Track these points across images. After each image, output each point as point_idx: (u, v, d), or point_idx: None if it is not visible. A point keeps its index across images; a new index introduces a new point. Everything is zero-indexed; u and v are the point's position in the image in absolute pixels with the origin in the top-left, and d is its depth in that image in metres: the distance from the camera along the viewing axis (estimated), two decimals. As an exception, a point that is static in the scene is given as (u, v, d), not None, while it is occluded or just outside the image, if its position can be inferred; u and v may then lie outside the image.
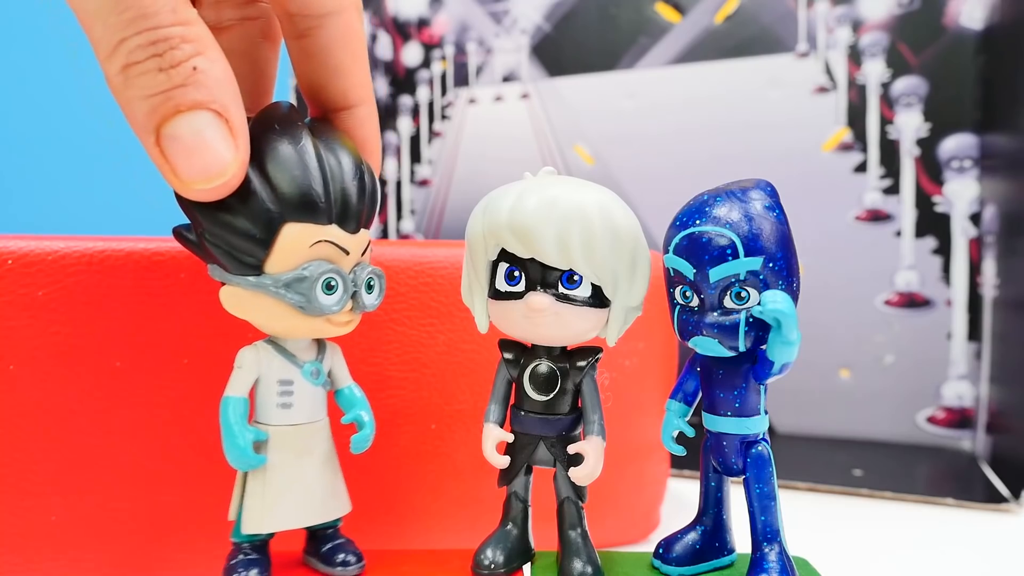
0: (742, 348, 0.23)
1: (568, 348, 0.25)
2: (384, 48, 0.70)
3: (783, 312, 0.22)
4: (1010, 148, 0.50)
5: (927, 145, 0.54)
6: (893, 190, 0.55)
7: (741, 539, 0.26)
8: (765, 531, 0.24)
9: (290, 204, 0.22)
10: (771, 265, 0.22)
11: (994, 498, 0.43)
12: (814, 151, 0.56)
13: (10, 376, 0.27)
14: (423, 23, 0.68)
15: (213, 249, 0.22)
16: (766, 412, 0.24)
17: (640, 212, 0.26)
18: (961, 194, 0.53)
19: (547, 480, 0.26)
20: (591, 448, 0.24)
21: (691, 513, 0.27)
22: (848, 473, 0.48)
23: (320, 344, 0.25)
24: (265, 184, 0.22)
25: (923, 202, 0.54)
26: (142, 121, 0.20)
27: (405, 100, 0.69)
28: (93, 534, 0.28)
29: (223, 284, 0.23)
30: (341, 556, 0.25)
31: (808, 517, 0.41)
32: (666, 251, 0.24)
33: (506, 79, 0.66)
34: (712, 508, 0.26)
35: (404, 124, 0.70)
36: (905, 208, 0.54)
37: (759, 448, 0.24)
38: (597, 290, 0.23)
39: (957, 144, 0.53)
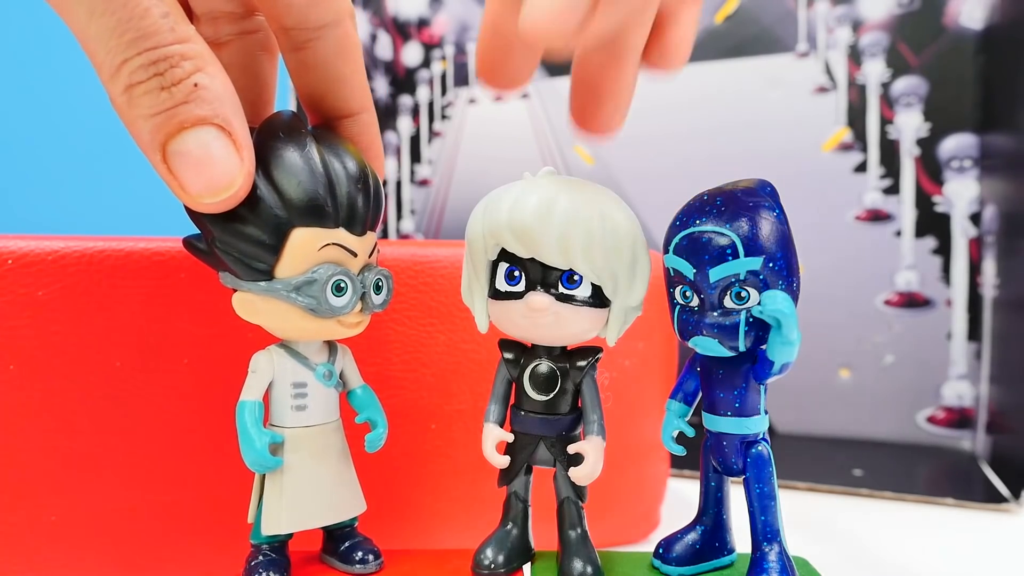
0: (742, 348, 0.23)
1: (568, 348, 0.25)
2: (384, 48, 0.70)
3: (783, 312, 0.22)
4: (1010, 148, 0.50)
5: (927, 145, 0.54)
6: (893, 190, 0.55)
7: (741, 539, 0.26)
8: (765, 531, 0.24)
9: (298, 209, 0.22)
10: (771, 265, 0.22)
11: (994, 498, 0.43)
12: (814, 151, 0.56)
13: (10, 376, 0.27)
14: (423, 23, 0.68)
15: (224, 257, 0.23)
16: (766, 412, 0.24)
17: (640, 212, 0.26)
18: (961, 194, 0.53)
19: (547, 480, 0.26)
20: (591, 448, 0.24)
21: (691, 513, 0.27)
22: (848, 473, 0.48)
23: (331, 346, 0.26)
24: (273, 191, 0.22)
25: (923, 202, 0.54)
26: (148, 139, 0.21)
27: (405, 100, 0.69)
28: (93, 534, 0.28)
29: (235, 291, 0.23)
30: (359, 554, 0.25)
31: (808, 517, 0.41)
32: (666, 251, 0.24)
33: (506, 79, 0.66)
34: (712, 508, 0.26)
35: (404, 124, 0.70)
36: (905, 208, 0.54)
37: (759, 448, 0.24)
38: (597, 290, 0.23)
39: (957, 144, 0.53)
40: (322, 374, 0.25)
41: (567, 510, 0.25)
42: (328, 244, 0.23)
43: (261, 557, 0.25)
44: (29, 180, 0.81)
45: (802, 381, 0.56)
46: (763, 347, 0.23)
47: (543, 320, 0.23)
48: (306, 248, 0.23)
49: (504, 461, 0.25)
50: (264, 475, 0.25)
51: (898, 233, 0.54)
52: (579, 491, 0.25)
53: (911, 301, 0.54)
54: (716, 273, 0.22)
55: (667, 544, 0.26)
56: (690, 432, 0.26)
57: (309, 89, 0.26)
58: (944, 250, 0.53)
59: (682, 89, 0.58)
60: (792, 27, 0.56)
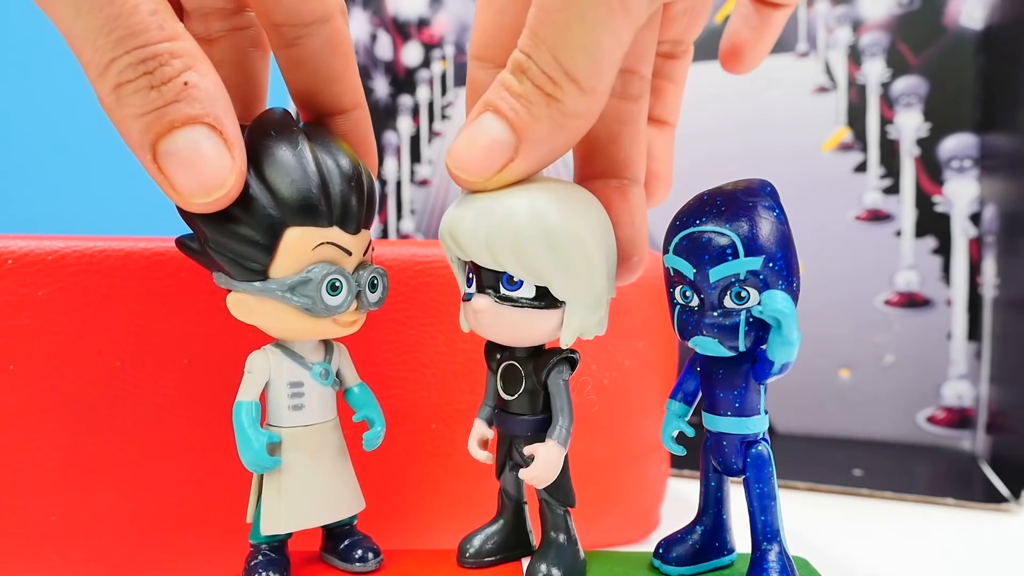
0: (742, 348, 0.23)
1: (546, 347, 0.25)
2: (384, 48, 0.70)
3: (783, 312, 0.22)
4: (1010, 148, 0.50)
5: (927, 145, 0.54)
6: (893, 190, 0.55)
7: (741, 539, 0.26)
8: (765, 531, 0.24)
9: (291, 208, 0.22)
10: (771, 265, 0.22)
11: (994, 498, 0.43)
12: (814, 151, 0.56)
13: (10, 376, 0.27)
14: (423, 23, 0.68)
15: (217, 257, 0.23)
16: (766, 412, 0.24)
17: (640, 212, 0.25)
18: (961, 194, 0.53)
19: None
20: (543, 451, 0.23)
21: (691, 513, 0.27)
22: (848, 473, 0.48)
23: (327, 345, 0.26)
24: (265, 190, 0.22)
25: (923, 202, 0.54)
26: (138, 139, 0.20)
27: (405, 100, 0.69)
28: (93, 534, 0.28)
29: (229, 291, 0.23)
30: (359, 552, 0.26)
31: (808, 517, 0.41)
32: (666, 251, 0.24)
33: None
34: (712, 508, 0.26)
35: (404, 124, 0.70)
36: (905, 208, 0.54)
37: (759, 448, 0.24)
38: (545, 290, 0.23)
39: (957, 144, 0.53)
40: (319, 373, 0.25)
41: (543, 511, 0.25)
42: (322, 243, 0.23)
43: (261, 557, 0.25)
44: (29, 180, 0.81)
45: (802, 381, 0.56)
46: (763, 347, 0.23)
47: (484, 321, 0.23)
48: (300, 247, 0.22)
49: (486, 457, 0.26)
50: (262, 475, 0.25)
51: (898, 233, 0.54)
52: (556, 494, 0.25)
53: (911, 301, 0.54)
54: (716, 273, 0.22)
55: (667, 544, 0.26)
56: (690, 432, 0.26)
57: (301, 86, 0.26)
58: (944, 250, 0.53)
59: (682, 89, 0.58)
60: (792, 27, 0.56)
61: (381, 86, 0.70)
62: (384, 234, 0.71)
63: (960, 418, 0.53)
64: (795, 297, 0.23)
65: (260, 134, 0.23)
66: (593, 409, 0.25)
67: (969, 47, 0.52)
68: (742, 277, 0.22)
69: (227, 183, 0.21)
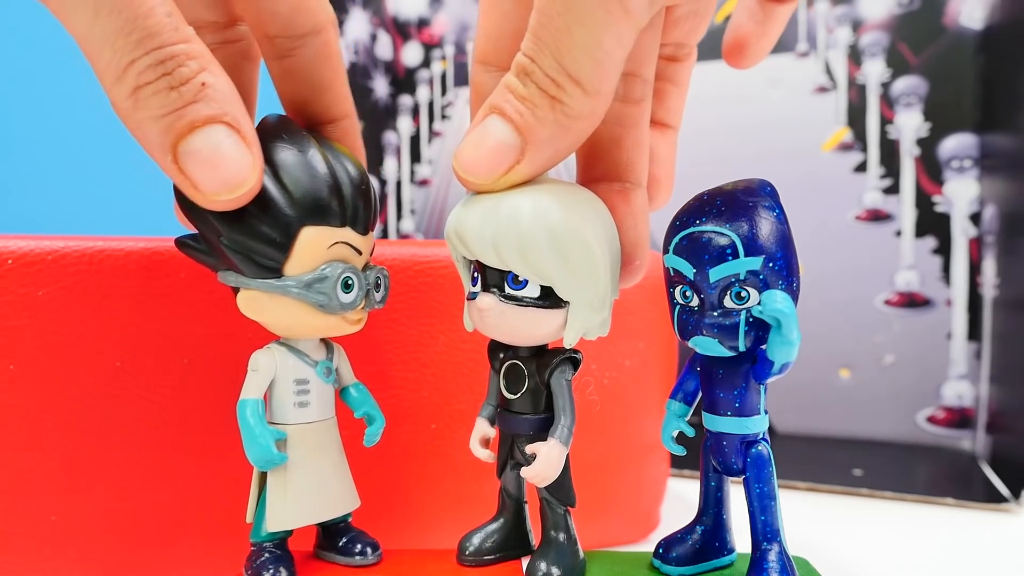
0: (742, 348, 0.23)
1: (549, 347, 0.25)
2: (384, 48, 0.70)
3: (783, 312, 0.22)
4: (1010, 148, 0.50)
5: (927, 145, 0.54)
6: (893, 190, 0.55)
7: (741, 539, 0.26)
8: (765, 531, 0.24)
9: (307, 208, 0.23)
10: (771, 265, 0.22)
11: (994, 498, 0.43)
12: (814, 151, 0.56)
13: (10, 376, 0.27)
14: (423, 23, 0.68)
15: (232, 255, 0.23)
16: (766, 412, 0.24)
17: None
18: (961, 194, 0.53)
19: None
20: (544, 449, 0.24)
21: (691, 513, 0.27)
22: (848, 473, 0.48)
23: (327, 344, 0.26)
24: (281, 191, 0.22)
25: (923, 202, 0.54)
26: (158, 141, 0.20)
27: (405, 100, 0.69)
28: (93, 534, 0.28)
29: (237, 289, 0.24)
30: (359, 547, 0.26)
31: (808, 517, 0.41)
32: (666, 251, 0.24)
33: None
34: (712, 508, 0.26)
35: (404, 124, 0.70)
36: (905, 208, 0.54)
37: (759, 448, 0.24)
38: (550, 290, 0.23)
39: (957, 144, 0.53)
40: (322, 370, 0.25)
41: (543, 511, 0.25)
42: (337, 242, 0.23)
43: (267, 555, 0.25)
44: (29, 180, 0.81)
45: (802, 381, 0.56)
46: (763, 347, 0.23)
47: (488, 320, 0.23)
48: (316, 246, 0.23)
49: (487, 455, 0.26)
50: (264, 473, 0.25)
51: (898, 233, 0.54)
52: (557, 493, 0.25)
53: (911, 301, 0.54)
54: (716, 273, 0.22)
55: (667, 544, 0.26)
56: (690, 432, 0.26)
57: (293, 96, 0.26)
58: (944, 250, 0.53)
59: (682, 89, 0.58)
60: (792, 27, 0.56)
61: (381, 86, 0.70)
62: (384, 234, 0.71)
63: (960, 418, 0.53)
64: (795, 297, 0.23)
65: (270, 138, 0.23)
66: (595, 409, 0.25)
67: (969, 47, 0.52)
68: (742, 277, 0.22)
69: (249, 180, 0.21)
